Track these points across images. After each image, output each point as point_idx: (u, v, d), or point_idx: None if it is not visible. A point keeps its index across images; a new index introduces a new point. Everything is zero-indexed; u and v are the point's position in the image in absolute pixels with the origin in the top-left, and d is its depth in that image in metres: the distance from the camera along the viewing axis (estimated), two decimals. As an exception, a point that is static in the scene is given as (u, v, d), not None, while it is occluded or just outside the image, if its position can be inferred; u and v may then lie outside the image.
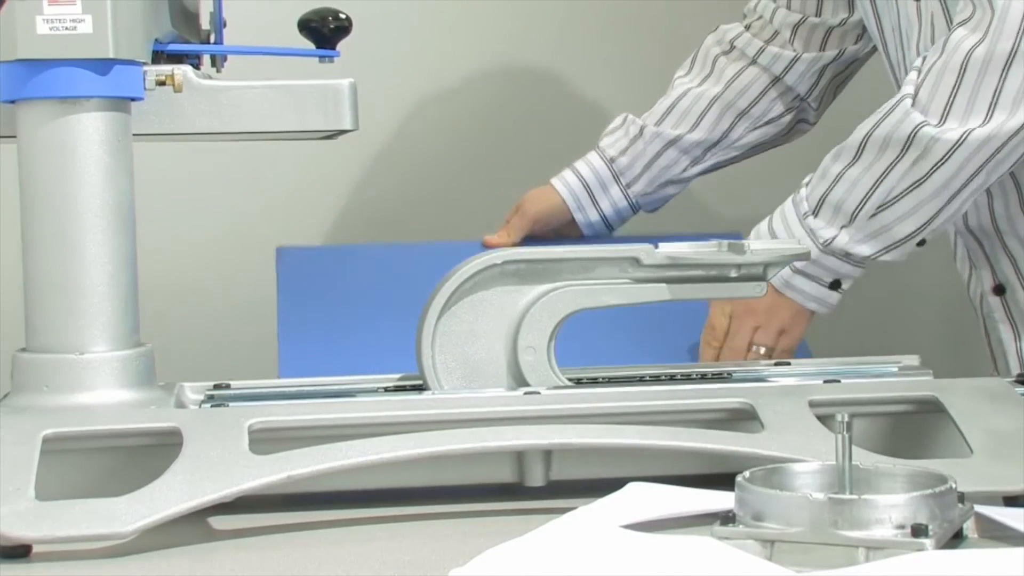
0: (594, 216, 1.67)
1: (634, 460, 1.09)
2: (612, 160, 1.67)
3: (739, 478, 0.90)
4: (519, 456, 1.08)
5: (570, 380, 1.20)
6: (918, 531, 0.85)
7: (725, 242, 1.19)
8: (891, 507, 0.86)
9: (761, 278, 1.20)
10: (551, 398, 1.11)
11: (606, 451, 1.08)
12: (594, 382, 1.23)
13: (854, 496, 0.87)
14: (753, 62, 1.66)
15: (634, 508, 0.92)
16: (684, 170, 1.68)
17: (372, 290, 1.54)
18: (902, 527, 0.85)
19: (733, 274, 1.19)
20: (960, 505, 0.90)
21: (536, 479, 1.09)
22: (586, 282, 1.18)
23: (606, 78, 2.19)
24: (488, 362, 1.18)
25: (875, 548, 0.84)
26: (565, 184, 1.68)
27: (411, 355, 1.18)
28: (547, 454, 1.08)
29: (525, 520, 1.04)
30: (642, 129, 1.67)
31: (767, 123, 1.68)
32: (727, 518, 0.88)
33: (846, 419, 0.90)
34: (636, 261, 1.19)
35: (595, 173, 1.67)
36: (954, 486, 0.89)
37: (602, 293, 1.19)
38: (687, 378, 1.24)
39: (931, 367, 1.26)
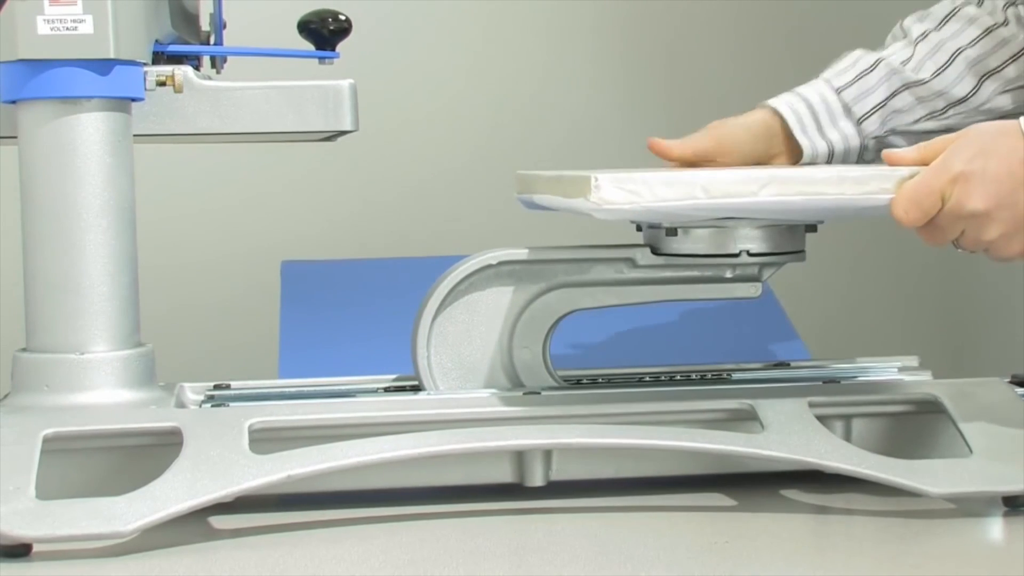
0: (821, 146, 1.35)
1: (634, 460, 1.10)
2: (839, 91, 1.36)
3: None
4: (519, 456, 1.08)
5: (569, 380, 1.20)
6: None
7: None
8: None
9: (756, 279, 1.19)
10: (550, 399, 1.11)
11: (606, 451, 1.08)
12: (593, 382, 1.23)
13: None
14: (1005, 23, 1.38)
15: None
16: (916, 121, 1.38)
17: (374, 304, 1.54)
18: None
19: (728, 275, 1.19)
20: None
21: (536, 479, 1.09)
22: (581, 283, 1.18)
23: (610, 79, 2.19)
24: (483, 362, 1.18)
25: None
26: (784, 103, 1.35)
27: (409, 367, 1.18)
28: (547, 454, 1.09)
29: (525, 520, 1.04)
30: (876, 63, 1.37)
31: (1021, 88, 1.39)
32: None
33: None
34: (631, 262, 1.18)
35: (823, 101, 1.35)
36: None
37: (597, 294, 1.19)
38: (687, 379, 1.24)
39: (931, 367, 1.26)
